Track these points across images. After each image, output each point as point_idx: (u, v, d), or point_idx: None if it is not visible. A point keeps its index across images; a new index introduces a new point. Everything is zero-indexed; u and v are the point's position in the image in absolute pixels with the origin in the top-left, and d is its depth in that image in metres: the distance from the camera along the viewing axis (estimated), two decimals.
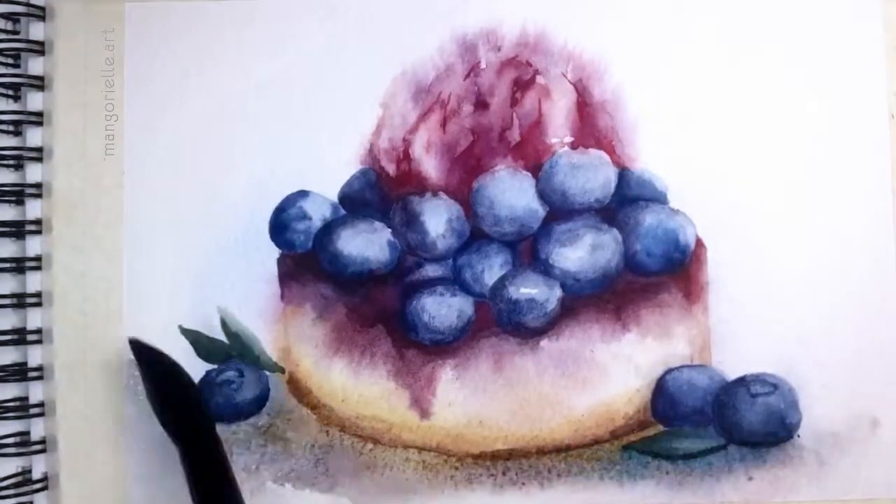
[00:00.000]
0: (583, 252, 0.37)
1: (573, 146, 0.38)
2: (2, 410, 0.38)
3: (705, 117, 0.38)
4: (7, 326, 0.38)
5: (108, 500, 0.38)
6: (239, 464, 0.38)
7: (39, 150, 0.39)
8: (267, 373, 0.38)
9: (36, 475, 0.38)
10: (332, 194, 0.38)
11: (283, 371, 0.38)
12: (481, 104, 0.38)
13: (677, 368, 0.37)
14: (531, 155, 0.38)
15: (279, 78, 0.38)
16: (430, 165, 0.38)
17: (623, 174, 0.38)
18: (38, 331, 0.38)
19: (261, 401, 0.38)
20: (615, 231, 0.37)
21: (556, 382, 0.37)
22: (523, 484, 0.37)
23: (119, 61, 0.39)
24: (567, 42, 0.38)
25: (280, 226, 0.38)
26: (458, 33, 0.38)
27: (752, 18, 0.38)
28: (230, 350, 0.38)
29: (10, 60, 0.39)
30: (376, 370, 0.38)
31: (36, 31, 0.39)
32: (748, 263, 0.37)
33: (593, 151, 0.38)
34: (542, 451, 0.37)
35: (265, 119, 0.38)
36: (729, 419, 0.37)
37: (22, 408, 0.38)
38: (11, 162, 0.38)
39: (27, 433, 0.38)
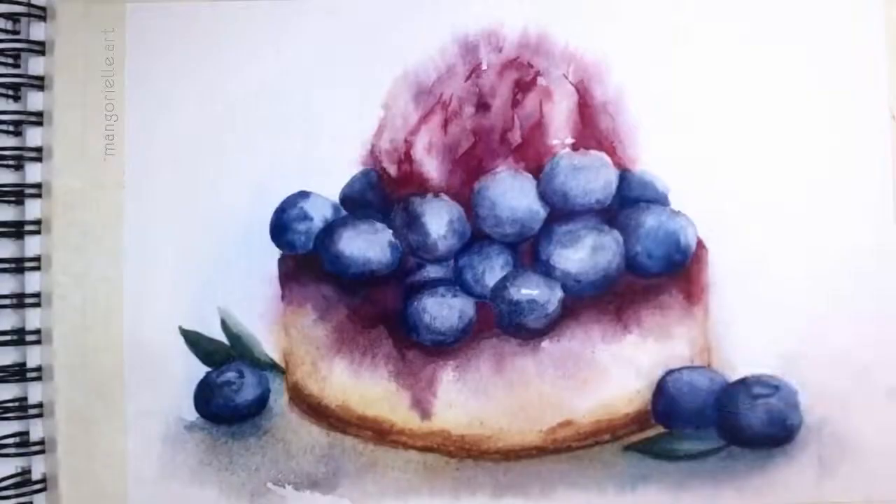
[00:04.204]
0: (584, 253, 0.37)
1: (574, 147, 0.38)
2: (1, 411, 0.38)
3: (706, 118, 0.38)
4: (6, 327, 0.38)
5: (107, 501, 0.38)
6: (239, 465, 0.38)
7: (39, 150, 0.38)
8: (268, 374, 0.38)
9: (35, 476, 0.38)
10: (334, 195, 0.38)
11: (283, 372, 0.38)
12: (482, 105, 0.38)
13: (678, 370, 0.37)
14: (532, 156, 0.38)
15: (280, 78, 0.38)
16: (432, 166, 0.38)
17: (624, 175, 0.38)
18: (38, 331, 0.38)
19: (261, 402, 0.38)
20: (616, 232, 0.37)
21: (556, 383, 0.37)
22: (524, 485, 0.37)
23: (119, 61, 0.39)
24: (568, 43, 0.38)
25: (281, 226, 0.38)
26: (460, 34, 0.38)
27: (752, 19, 0.38)
28: (231, 351, 0.38)
29: (10, 60, 0.38)
30: (377, 371, 0.38)
31: (36, 31, 0.39)
32: (749, 265, 0.37)
33: (594, 153, 0.38)
34: (542, 452, 0.37)
35: (266, 119, 0.38)
36: (730, 421, 0.37)
37: (21, 408, 0.38)
38: (11, 162, 0.38)
39: (26, 433, 0.38)
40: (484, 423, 0.38)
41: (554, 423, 0.37)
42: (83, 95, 0.38)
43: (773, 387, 0.37)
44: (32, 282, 0.38)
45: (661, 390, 0.37)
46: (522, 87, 0.38)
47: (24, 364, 0.38)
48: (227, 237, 0.38)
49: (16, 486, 0.38)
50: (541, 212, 0.38)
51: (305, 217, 0.38)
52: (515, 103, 0.38)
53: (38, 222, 0.38)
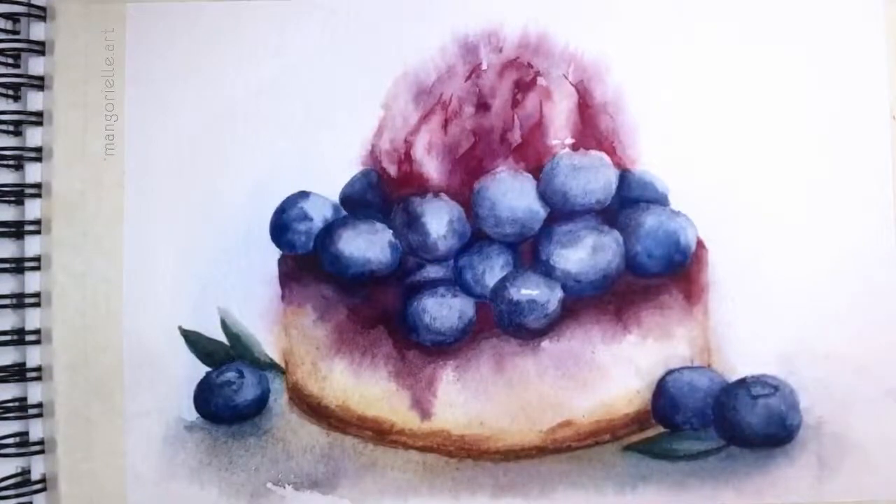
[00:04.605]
0: (584, 253, 0.37)
1: (574, 148, 0.38)
2: (1, 411, 0.38)
3: (706, 119, 0.38)
4: (6, 327, 0.38)
5: (107, 501, 0.38)
6: (239, 465, 0.38)
7: (39, 150, 0.38)
8: (267, 374, 0.38)
9: (35, 476, 0.38)
10: (334, 195, 0.38)
11: (283, 372, 0.38)
12: (482, 105, 0.38)
13: (678, 370, 0.37)
14: (532, 156, 0.38)
15: (280, 78, 0.38)
16: (432, 166, 0.38)
17: (624, 176, 0.38)
18: (38, 331, 0.38)
19: (261, 402, 0.38)
20: (616, 232, 0.37)
21: (556, 383, 0.37)
22: (524, 485, 0.37)
23: (119, 61, 0.39)
24: (568, 44, 0.38)
25: (281, 227, 0.38)
26: (460, 34, 0.38)
27: (752, 20, 0.38)
28: (230, 351, 0.38)
29: (10, 60, 0.38)
30: (377, 371, 0.38)
31: (36, 31, 0.39)
32: (749, 265, 0.37)
33: (594, 153, 0.38)
34: (542, 453, 0.37)
35: (266, 119, 0.38)
36: (729, 420, 0.37)
37: (21, 408, 0.38)
38: (11, 162, 0.38)
39: (26, 434, 0.38)
40: (484, 423, 0.38)
41: (554, 424, 0.37)
42: (83, 95, 0.38)
43: (773, 387, 0.37)
44: (32, 282, 0.38)
45: (661, 390, 0.37)
46: (522, 87, 0.38)
47: (24, 364, 0.38)
48: (227, 237, 0.38)
49: (16, 486, 0.38)
50: (541, 212, 0.38)
51: (305, 217, 0.38)
52: (515, 103, 0.38)
53: (38, 222, 0.38)
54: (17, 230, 0.38)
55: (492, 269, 0.38)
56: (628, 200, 0.38)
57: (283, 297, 0.38)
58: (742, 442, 0.37)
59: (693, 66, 0.38)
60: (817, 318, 0.37)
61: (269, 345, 0.38)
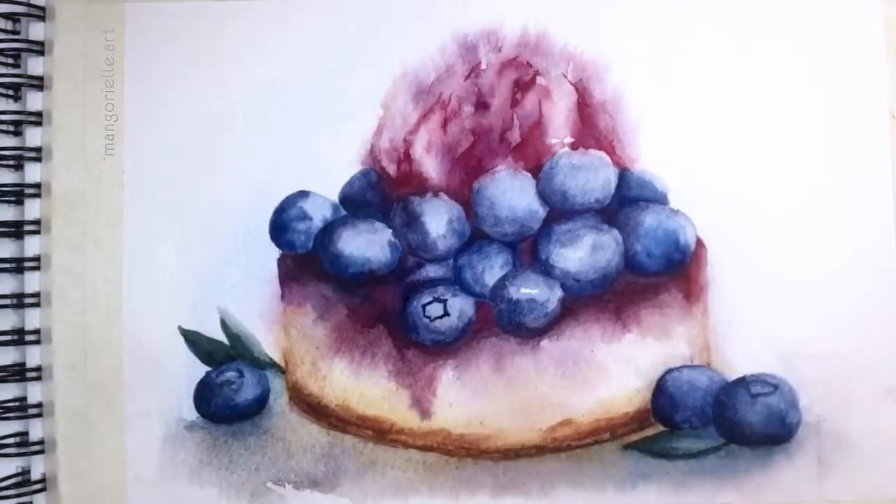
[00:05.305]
0: (583, 252, 0.37)
1: (573, 147, 0.38)
2: (1, 411, 0.38)
3: (706, 118, 0.38)
4: (6, 327, 0.38)
5: (107, 501, 0.38)
6: (239, 464, 0.38)
7: (39, 150, 0.39)
8: (267, 373, 0.38)
9: (35, 476, 0.38)
10: (333, 195, 0.38)
11: (283, 371, 0.38)
12: (482, 105, 0.38)
13: (677, 369, 0.37)
14: (531, 155, 0.38)
15: (280, 78, 0.39)
16: (431, 166, 0.38)
17: (623, 175, 0.38)
18: (37, 331, 0.38)
19: (261, 401, 0.38)
20: (615, 231, 0.37)
21: (556, 383, 0.37)
22: (524, 484, 0.37)
23: (119, 61, 0.39)
24: (567, 43, 0.38)
25: (280, 226, 0.38)
26: (459, 34, 0.38)
27: (752, 19, 0.38)
28: (230, 350, 0.38)
29: (10, 60, 0.39)
30: (377, 370, 0.38)
31: (36, 31, 0.39)
32: (748, 264, 0.37)
33: (593, 152, 0.38)
34: (542, 451, 0.37)
35: (265, 119, 0.38)
36: (729, 419, 0.37)
37: (21, 408, 0.38)
38: (11, 162, 0.38)
39: (26, 433, 0.38)
40: (483, 422, 0.38)
41: (553, 422, 0.37)
42: (83, 95, 0.38)
43: (773, 385, 0.37)
44: (32, 282, 0.38)
45: (661, 389, 0.37)
46: (522, 86, 0.38)
47: (23, 364, 0.38)
48: (226, 237, 0.38)
49: (16, 486, 0.38)
50: (540, 211, 0.38)
51: (305, 217, 0.38)
52: (515, 103, 0.38)
53: (37, 222, 0.38)
54: (17, 230, 0.38)
55: (491, 269, 0.38)
56: (627, 199, 0.38)
57: (282, 297, 0.38)
58: (741, 441, 0.37)
59: (693, 66, 0.38)
60: (817, 318, 0.37)
61: (269, 344, 0.38)
